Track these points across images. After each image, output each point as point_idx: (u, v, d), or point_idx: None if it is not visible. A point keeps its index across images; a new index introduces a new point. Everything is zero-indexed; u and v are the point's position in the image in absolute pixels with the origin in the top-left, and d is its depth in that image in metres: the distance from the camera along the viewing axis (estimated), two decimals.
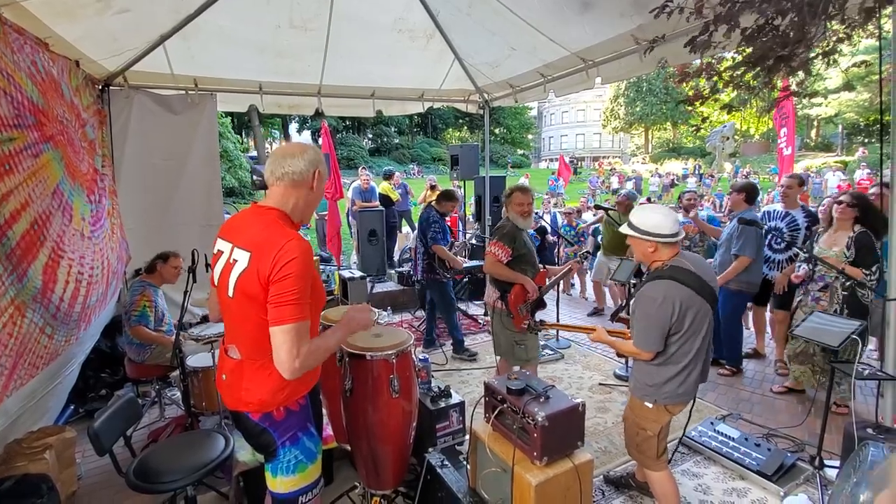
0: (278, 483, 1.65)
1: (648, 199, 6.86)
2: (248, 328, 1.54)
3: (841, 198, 3.38)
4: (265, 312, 1.47)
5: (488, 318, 5.85)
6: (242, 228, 1.61)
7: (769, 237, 4.11)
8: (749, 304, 4.71)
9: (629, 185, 23.85)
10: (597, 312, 6.25)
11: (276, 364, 1.47)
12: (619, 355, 4.24)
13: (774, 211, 4.28)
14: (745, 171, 22.59)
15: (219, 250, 1.66)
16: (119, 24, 3.31)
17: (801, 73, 2.40)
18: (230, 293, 1.55)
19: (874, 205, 3.38)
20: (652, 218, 2.11)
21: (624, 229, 2.19)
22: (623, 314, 2.81)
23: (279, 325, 1.44)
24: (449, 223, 5.03)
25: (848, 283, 3.24)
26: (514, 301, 3.16)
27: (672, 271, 2.04)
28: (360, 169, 9.61)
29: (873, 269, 3.18)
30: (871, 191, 4.37)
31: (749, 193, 4.05)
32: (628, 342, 2.17)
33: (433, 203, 4.77)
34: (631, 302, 2.24)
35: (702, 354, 2.11)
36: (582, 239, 6.95)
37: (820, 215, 3.96)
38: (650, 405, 2.16)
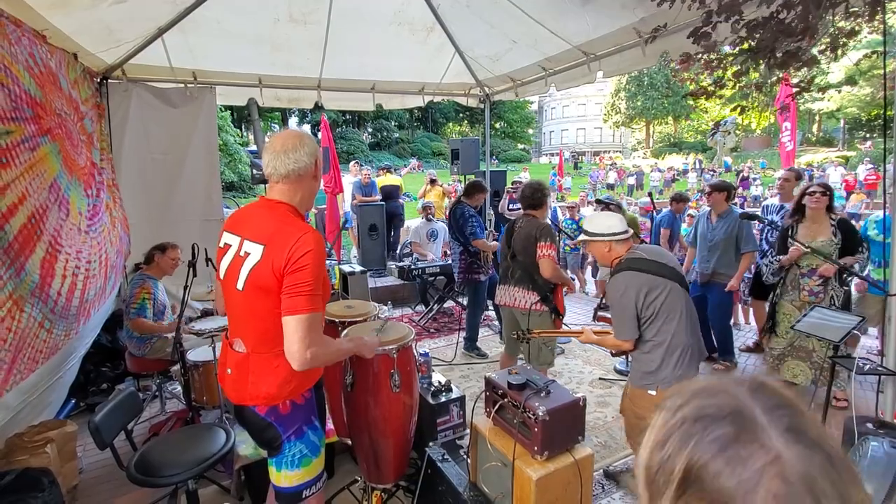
0: (282, 477, 1.65)
1: (650, 195, 6.85)
2: (256, 321, 1.55)
3: (812, 188, 3.39)
4: (277, 304, 1.48)
5: (489, 314, 5.88)
6: (252, 222, 1.61)
7: (766, 231, 4.16)
8: (748, 299, 4.75)
9: (630, 181, 23.88)
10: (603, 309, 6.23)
11: (287, 354, 1.47)
12: (613, 355, 4.26)
13: (771, 205, 4.36)
14: (746, 166, 22.54)
15: (226, 244, 1.65)
16: (116, 15, 3.28)
17: (805, 68, 2.39)
18: (239, 286, 1.55)
19: (833, 189, 3.53)
20: (602, 221, 2.34)
21: (581, 238, 2.44)
22: (602, 313, 2.95)
23: (293, 315, 1.45)
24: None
25: (850, 278, 3.25)
26: (561, 301, 3.20)
27: (628, 262, 2.22)
28: (351, 164, 9.46)
29: (861, 248, 3.27)
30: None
31: (729, 191, 4.14)
32: (611, 336, 2.32)
33: (463, 198, 4.45)
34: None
35: (685, 332, 2.16)
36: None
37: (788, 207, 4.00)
38: (653, 392, 2.19)
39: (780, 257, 3.49)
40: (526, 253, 3.15)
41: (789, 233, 3.48)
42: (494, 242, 4.53)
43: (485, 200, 4.57)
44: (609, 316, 2.41)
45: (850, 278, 3.29)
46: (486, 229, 4.92)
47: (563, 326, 3.49)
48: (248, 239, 1.56)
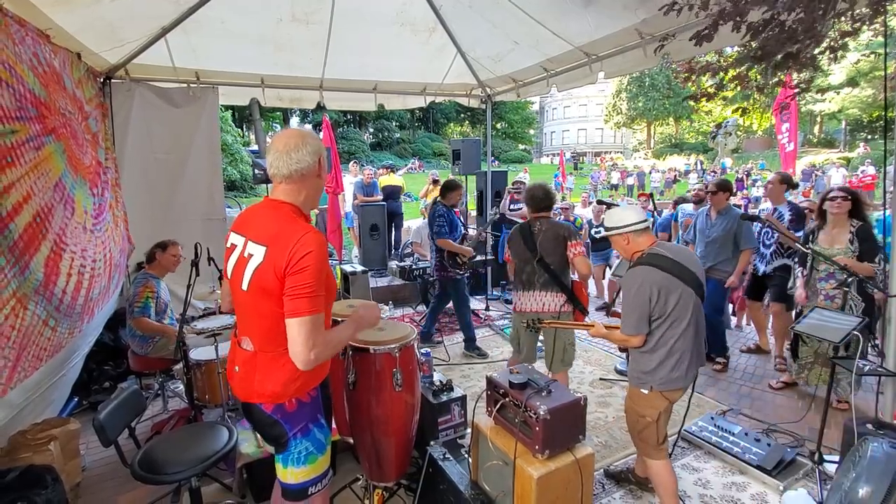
0: (289, 474, 1.67)
1: (650, 195, 6.87)
2: (262, 320, 1.56)
3: (833, 193, 3.35)
4: (280, 305, 1.49)
5: (489, 314, 5.90)
6: (256, 222, 1.62)
7: (763, 233, 4.18)
8: (743, 298, 4.78)
9: (630, 181, 23.88)
10: (605, 308, 6.26)
11: (292, 355, 1.49)
12: (621, 350, 4.27)
13: (766, 209, 4.36)
14: (744, 169, 22.55)
15: (232, 244, 1.67)
16: (118, 13, 3.29)
17: (805, 69, 2.39)
18: (244, 287, 1.57)
19: (862, 195, 3.44)
20: (618, 215, 2.34)
21: (601, 233, 2.37)
22: (617, 308, 2.97)
23: (295, 318, 1.46)
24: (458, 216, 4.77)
25: (851, 280, 3.24)
26: (585, 296, 3.21)
27: (649, 258, 2.19)
28: (350, 164, 9.56)
29: (877, 259, 3.20)
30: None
31: (730, 190, 4.22)
32: (619, 331, 2.29)
33: (438, 198, 4.58)
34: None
35: (690, 338, 2.16)
36: (580, 233, 6.95)
37: (808, 212, 4.01)
38: (646, 391, 2.21)
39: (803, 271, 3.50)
40: (556, 253, 3.06)
41: (810, 238, 3.46)
42: (468, 248, 4.53)
43: (461, 198, 4.72)
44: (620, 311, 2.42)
45: (870, 287, 3.22)
46: (465, 228, 4.92)
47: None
48: (251, 240, 1.58)
